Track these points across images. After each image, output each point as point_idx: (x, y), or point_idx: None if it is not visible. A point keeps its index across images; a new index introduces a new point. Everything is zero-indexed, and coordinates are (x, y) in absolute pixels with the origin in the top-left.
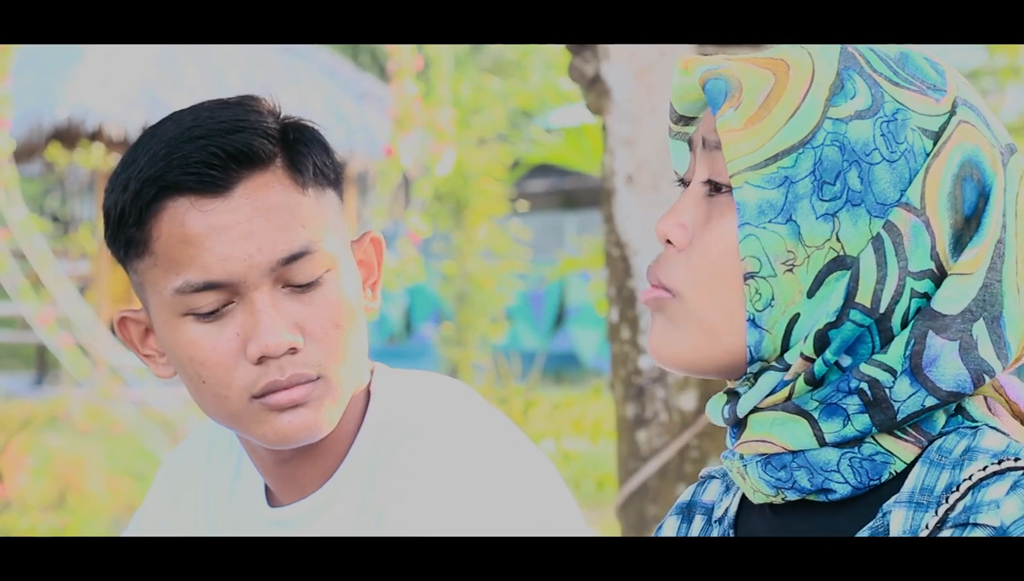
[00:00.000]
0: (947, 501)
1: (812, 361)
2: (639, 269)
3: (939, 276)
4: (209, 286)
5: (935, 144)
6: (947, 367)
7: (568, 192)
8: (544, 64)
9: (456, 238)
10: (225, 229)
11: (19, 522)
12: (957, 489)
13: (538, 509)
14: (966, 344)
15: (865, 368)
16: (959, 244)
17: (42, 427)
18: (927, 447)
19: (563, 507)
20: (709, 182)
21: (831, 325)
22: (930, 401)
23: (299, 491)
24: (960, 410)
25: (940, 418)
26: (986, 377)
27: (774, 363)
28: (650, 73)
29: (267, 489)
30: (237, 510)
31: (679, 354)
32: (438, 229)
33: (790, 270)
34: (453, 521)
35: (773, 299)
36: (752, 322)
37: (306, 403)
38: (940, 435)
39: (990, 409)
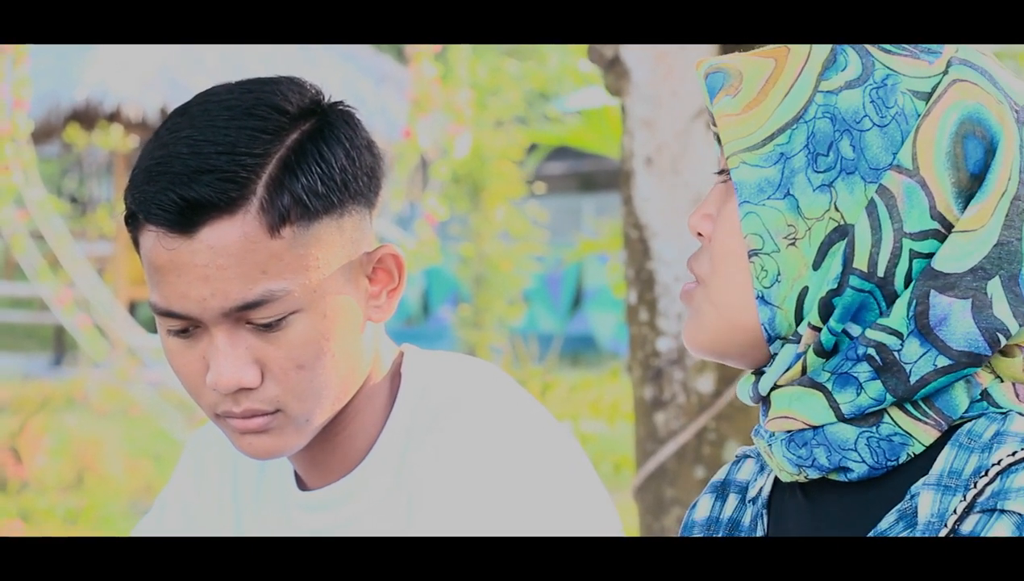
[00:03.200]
0: (975, 486)
1: (819, 330)
2: (658, 251)
3: (947, 236)
4: (170, 314)
5: (927, 104)
6: (957, 326)
7: (586, 174)
8: (562, 47)
9: (474, 220)
10: (185, 269)
11: (37, 502)
12: (986, 474)
13: (568, 496)
14: (979, 302)
15: (871, 333)
16: (968, 202)
17: (60, 408)
18: (954, 431)
19: (591, 492)
20: (722, 171)
21: (833, 292)
22: (942, 361)
23: (328, 473)
24: (986, 396)
25: (962, 401)
26: (1000, 337)
27: (790, 338)
28: (670, 55)
29: (297, 473)
30: (266, 492)
31: (703, 340)
32: (456, 211)
33: (793, 244)
34: (485, 508)
35: (779, 274)
36: (761, 299)
37: (266, 431)
38: (964, 420)
39: (1018, 396)
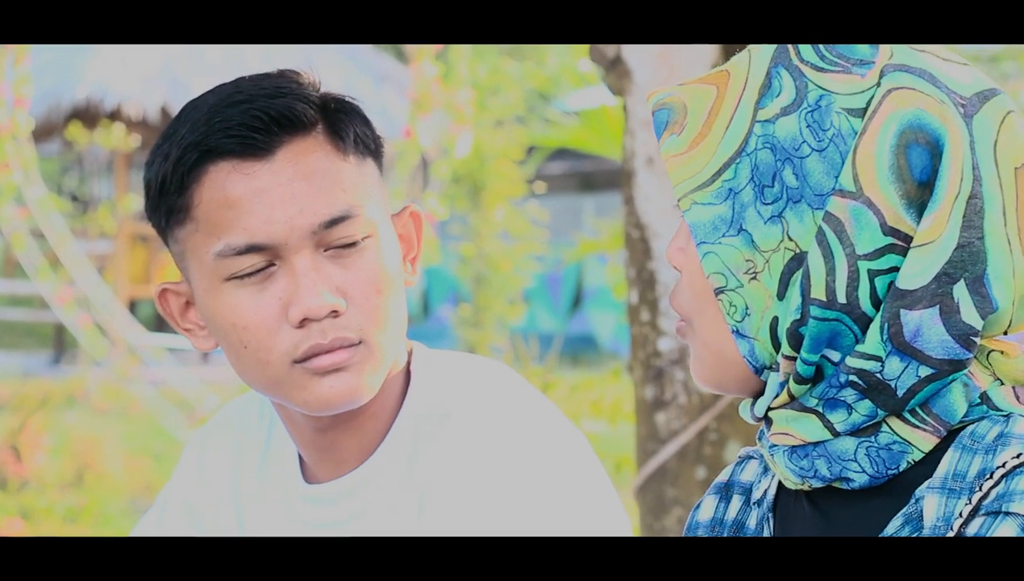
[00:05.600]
0: (980, 488)
1: (794, 359)
2: (658, 251)
3: (907, 248)
4: (251, 249)
5: (863, 121)
6: (931, 335)
7: (586, 174)
8: (562, 47)
9: (474, 220)
10: (267, 192)
11: (37, 501)
12: (990, 476)
13: (577, 495)
14: (947, 308)
15: (850, 361)
16: (922, 212)
17: (60, 406)
18: (955, 433)
19: (600, 490)
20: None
21: (798, 322)
22: (924, 371)
23: (337, 466)
24: (985, 399)
25: (960, 406)
26: (973, 339)
27: (774, 367)
28: (671, 55)
29: (302, 467)
30: (269, 488)
31: (705, 377)
32: (456, 211)
33: (754, 278)
34: (495, 506)
35: (748, 308)
36: (737, 333)
37: (347, 367)
38: (963, 424)
39: (1018, 398)
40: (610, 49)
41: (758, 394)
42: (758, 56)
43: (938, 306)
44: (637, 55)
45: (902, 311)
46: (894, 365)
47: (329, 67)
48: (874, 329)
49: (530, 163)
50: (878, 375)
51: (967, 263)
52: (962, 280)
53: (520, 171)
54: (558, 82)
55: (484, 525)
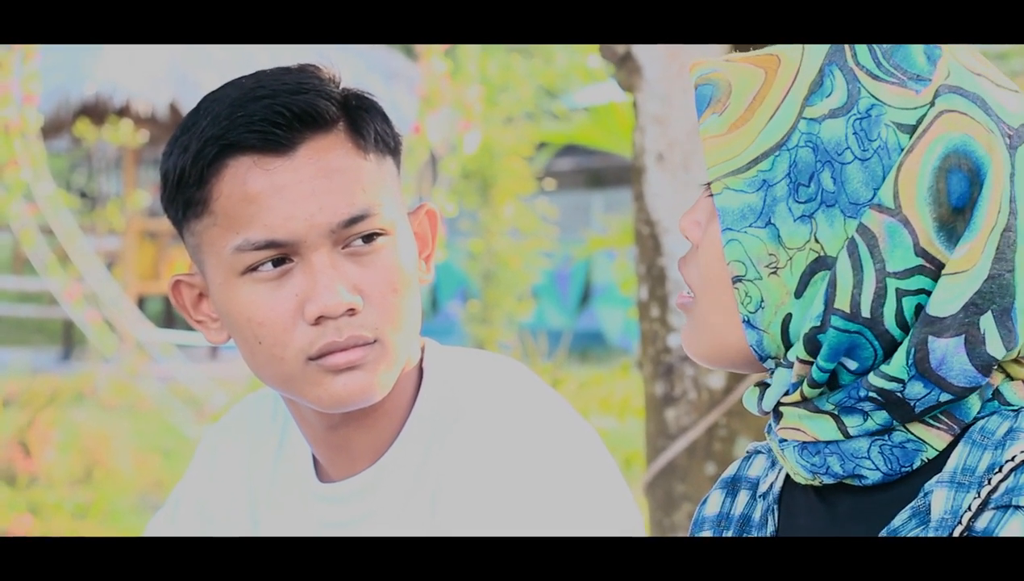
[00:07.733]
0: (990, 482)
1: (809, 364)
2: (669, 247)
3: (936, 271)
4: (270, 244)
5: (911, 138)
6: (955, 363)
7: (595, 170)
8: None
9: (483, 216)
10: (287, 188)
11: (46, 497)
12: (1000, 470)
13: (590, 494)
14: (972, 338)
15: (873, 379)
16: (952, 237)
17: (69, 402)
18: (966, 428)
19: (613, 488)
20: (708, 183)
21: (817, 329)
22: (945, 396)
23: (350, 464)
24: (997, 395)
25: (974, 404)
26: (992, 366)
27: (783, 360)
28: (681, 52)
29: (316, 465)
30: (283, 486)
31: (701, 351)
32: (465, 207)
33: (774, 272)
34: (508, 505)
35: (763, 301)
36: (747, 323)
37: (362, 366)
38: (976, 419)
39: None
40: (620, 46)
41: (761, 383)
42: (813, 49)
43: (964, 336)
44: (647, 51)
45: (930, 338)
46: (916, 388)
47: (338, 63)
48: (900, 353)
49: (539, 159)
50: (898, 394)
51: (995, 295)
52: (989, 311)
53: (529, 167)
54: (567, 78)
55: (497, 522)
